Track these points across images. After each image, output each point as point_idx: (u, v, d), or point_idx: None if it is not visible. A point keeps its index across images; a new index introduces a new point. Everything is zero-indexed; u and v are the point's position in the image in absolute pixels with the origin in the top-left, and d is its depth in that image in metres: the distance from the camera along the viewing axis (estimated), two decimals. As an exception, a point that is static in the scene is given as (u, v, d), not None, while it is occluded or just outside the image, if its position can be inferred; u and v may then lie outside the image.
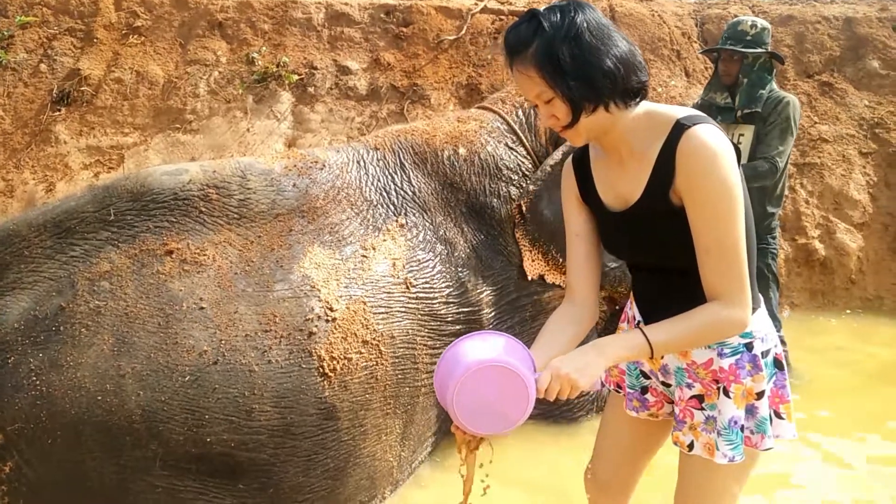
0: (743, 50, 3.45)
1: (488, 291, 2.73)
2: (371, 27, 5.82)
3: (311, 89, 5.55)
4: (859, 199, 5.29)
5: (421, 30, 5.78)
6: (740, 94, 3.51)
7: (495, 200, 2.83)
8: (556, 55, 1.33)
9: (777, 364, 1.53)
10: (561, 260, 2.86)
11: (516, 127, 3.00)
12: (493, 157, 2.89)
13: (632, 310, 1.67)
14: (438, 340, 2.54)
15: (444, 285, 2.60)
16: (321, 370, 2.15)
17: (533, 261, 2.82)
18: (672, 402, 1.65)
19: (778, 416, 1.52)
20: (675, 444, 1.59)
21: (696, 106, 3.81)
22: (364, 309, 2.32)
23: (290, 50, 5.67)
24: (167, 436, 1.93)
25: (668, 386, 1.62)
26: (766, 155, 3.41)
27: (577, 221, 1.61)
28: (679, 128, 1.37)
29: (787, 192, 5.11)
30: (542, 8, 1.39)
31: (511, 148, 2.95)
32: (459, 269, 2.67)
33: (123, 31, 5.63)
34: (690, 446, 1.54)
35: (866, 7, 6.25)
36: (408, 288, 2.48)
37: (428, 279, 2.56)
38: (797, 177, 5.35)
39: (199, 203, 2.31)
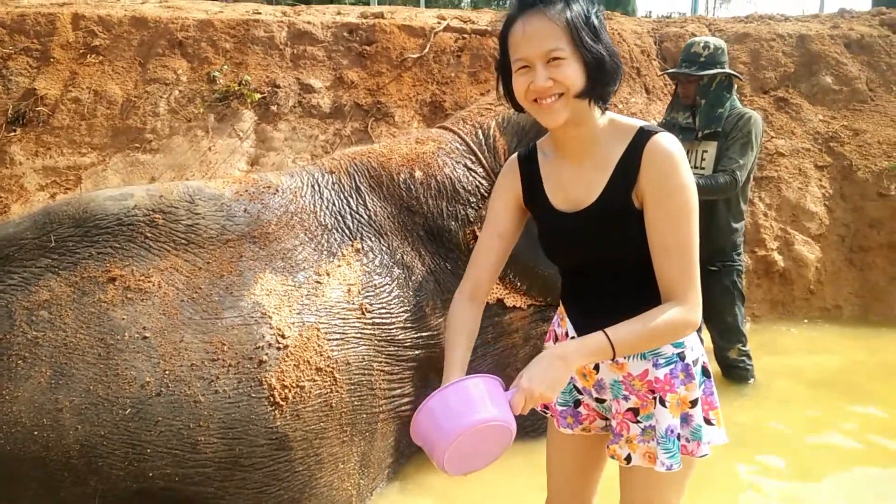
0: (696, 73, 3.49)
1: (447, 315, 2.71)
2: (334, 45, 5.80)
3: (273, 108, 5.50)
4: (816, 212, 5.39)
5: (384, 48, 5.78)
6: (700, 114, 3.55)
7: (453, 223, 2.81)
8: (591, 19, 1.37)
9: (705, 372, 1.55)
10: (518, 283, 2.85)
11: (475, 148, 2.98)
12: (451, 179, 2.87)
13: (562, 327, 1.65)
14: (396, 366, 2.51)
15: (401, 310, 2.57)
16: (272, 399, 2.10)
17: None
18: (605, 418, 1.66)
19: (708, 422, 1.53)
20: (612, 457, 1.59)
21: (661, 125, 3.85)
22: (318, 335, 2.28)
23: (253, 68, 5.62)
24: (107, 471, 1.87)
25: (602, 402, 1.63)
26: (725, 168, 3.45)
27: (503, 220, 1.60)
28: (643, 133, 1.43)
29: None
30: None
31: (470, 169, 2.93)
32: (417, 294, 2.64)
33: (81, 51, 5.53)
34: (628, 459, 1.55)
35: (819, 25, 6.41)
36: (363, 313, 2.44)
37: (385, 304, 2.53)
38: (756, 190, 5.44)
39: (145, 228, 2.26)
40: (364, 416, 2.40)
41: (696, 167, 3.60)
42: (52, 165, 5.20)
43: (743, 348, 3.77)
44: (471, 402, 1.31)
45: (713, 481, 2.80)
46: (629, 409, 1.55)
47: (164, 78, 5.49)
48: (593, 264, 1.54)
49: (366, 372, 2.41)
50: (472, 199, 2.87)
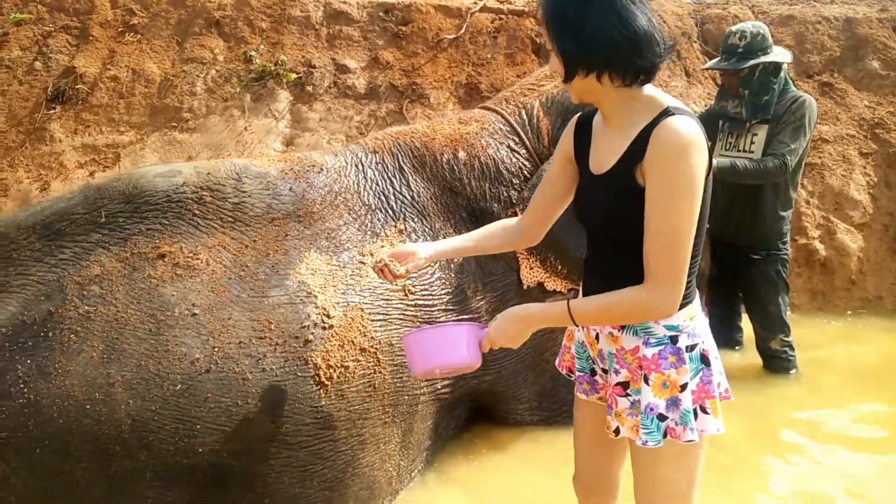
0: (734, 67, 3.40)
1: (488, 298, 2.69)
2: (370, 26, 5.76)
3: (309, 88, 5.49)
4: (860, 200, 5.25)
5: (420, 28, 5.72)
6: (745, 105, 3.45)
7: (496, 205, 2.78)
8: (563, 12, 1.41)
9: (704, 360, 1.56)
10: (560, 266, 2.81)
11: (519, 128, 2.93)
12: (494, 160, 2.84)
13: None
14: (437, 347, 2.49)
15: (443, 292, 2.55)
16: (317, 378, 2.10)
17: (531, 268, 2.77)
18: None
19: (703, 410, 1.55)
20: (606, 428, 1.65)
21: (711, 114, 3.77)
22: (362, 316, 2.27)
23: (289, 48, 5.61)
24: (157, 446, 1.88)
25: (606, 372, 1.68)
26: (776, 152, 3.35)
27: (554, 171, 1.72)
28: (665, 113, 1.42)
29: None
30: None
31: (513, 150, 2.89)
32: (459, 276, 2.62)
33: (119, 29, 5.56)
34: (616, 431, 1.60)
35: (866, 8, 6.21)
36: (406, 295, 2.43)
37: (427, 286, 2.51)
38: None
39: (193, 205, 2.26)
40: (406, 397, 2.40)
41: (744, 151, 3.51)
42: (90, 143, 5.26)
43: (786, 339, 3.68)
44: (450, 345, 1.64)
45: (743, 471, 2.78)
46: (618, 384, 1.60)
47: (201, 57, 5.51)
48: (605, 233, 1.59)
49: (408, 353, 2.40)
50: (515, 181, 2.84)
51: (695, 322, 1.55)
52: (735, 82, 3.47)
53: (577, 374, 1.76)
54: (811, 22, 5.98)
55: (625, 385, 1.59)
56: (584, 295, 1.63)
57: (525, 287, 2.78)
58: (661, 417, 1.52)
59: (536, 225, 1.80)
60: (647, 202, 1.41)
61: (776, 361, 3.70)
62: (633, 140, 1.44)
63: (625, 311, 1.48)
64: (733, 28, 3.55)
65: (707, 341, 1.57)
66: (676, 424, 1.52)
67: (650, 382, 1.53)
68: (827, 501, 2.60)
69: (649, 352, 1.53)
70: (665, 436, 1.52)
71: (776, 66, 3.45)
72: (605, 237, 1.60)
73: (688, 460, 1.57)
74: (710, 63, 3.65)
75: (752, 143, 3.49)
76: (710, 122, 3.77)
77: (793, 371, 3.70)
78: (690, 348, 1.53)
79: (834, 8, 6.22)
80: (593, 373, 1.73)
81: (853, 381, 3.70)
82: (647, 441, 1.53)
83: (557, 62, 1.47)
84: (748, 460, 2.89)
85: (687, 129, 1.38)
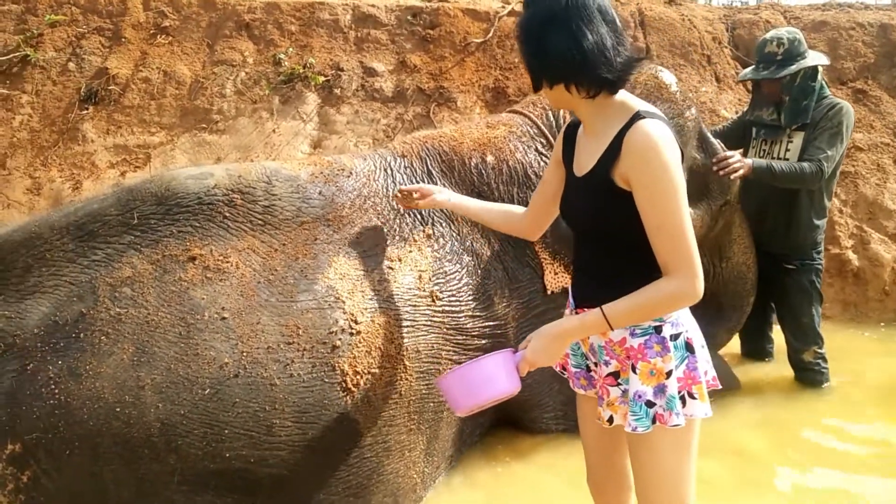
0: (775, 76, 3.34)
1: (515, 304, 2.66)
2: (398, 29, 5.77)
3: (337, 91, 5.51)
4: (894, 210, 5.14)
5: (448, 32, 5.72)
6: (785, 111, 3.39)
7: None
8: (529, 29, 1.54)
9: (688, 347, 1.62)
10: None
11: (547, 131, 2.91)
12: (522, 164, 2.82)
13: (569, 298, 1.82)
14: (463, 354, 2.47)
15: (470, 298, 2.53)
16: (344, 385, 2.09)
17: (556, 274, 2.74)
18: None
19: (691, 396, 1.61)
20: (598, 420, 1.72)
21: (740, 123, 3.72)
22: (389, 322, 2.26)
23: (317, 51, 5.64)
24: (185, 450, 1.88)
25: (597, 365, 1.74)
26: (812, 157, 3.28)
27: (551, 174, 1.86)
28: (635, 117, 1.52)
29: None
30: None
31: (541, 154, 2.87)
32: (486, 282, 2.60)
33: (151, 31, 5.64)
34: (610, 420, 1.67)
35: (902, 13, 6.09)
36: (434, 301, 2.42)
37: (454, 292, 2.49)
38: (831, 186, 5.22)
39: (224, 208, 2.26)
40: (431, 404, 2.38)
41: (779, 158, 3.44)
42: (122, 143, 5.33)
43: (819, 350, 3.60)
44: (488, 377, 1.65)
45: (768, 484, 2.73)
46: (609, 374, 1.67)
47: (231, 59, 5.56)
48: (588, 232, 1.69)
49: (434, 360, 2.38)
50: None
51: (677, 312, 1.61)
52: (776, 89, 3.40)
53: (574, 370, 1.82)
54: (845, 28, 5.88)
55: (615, 375, 1.67)
56: (578, 295, 1.73)
57: (550, 292, 2.75)
58: (650, 404, 1.59)
59: (536, 221, 1.97)
60: (638, 204, 1.50)
61: (808, 374, 3.62)
62: (609, 143, 1.54)
63: (657, 304, 1.52)
64: (768, 36, 3.47)
65: (691, 329, 1.63)
66: (664, 410, 1.59)
67: (637, 371, 1.60)
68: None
69: (635, 342, 1.60)
70: (654, 422, 1.59)
71: (814, 71, 3.40)
72: (590, 237, 1.70)
73: (679, 445, 1.62)
74: (747, 73, 3.56)
75: (787, 150, 3.43)
76: (738, 131, 3.72)
77: (825, 384, 3.61)
78: (674, 337, 1.60)
79: (868, 14, 6.10)
80: (589, 368, 1.79)
81: (884, 396, 3.60)
82: (636, 427, 1.60)
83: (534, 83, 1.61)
84: (774, 473, 2.83)
85: (655, 130, 1.49)
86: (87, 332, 1.94)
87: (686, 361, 1.61)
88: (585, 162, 1.63)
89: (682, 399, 1.59)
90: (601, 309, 1.54)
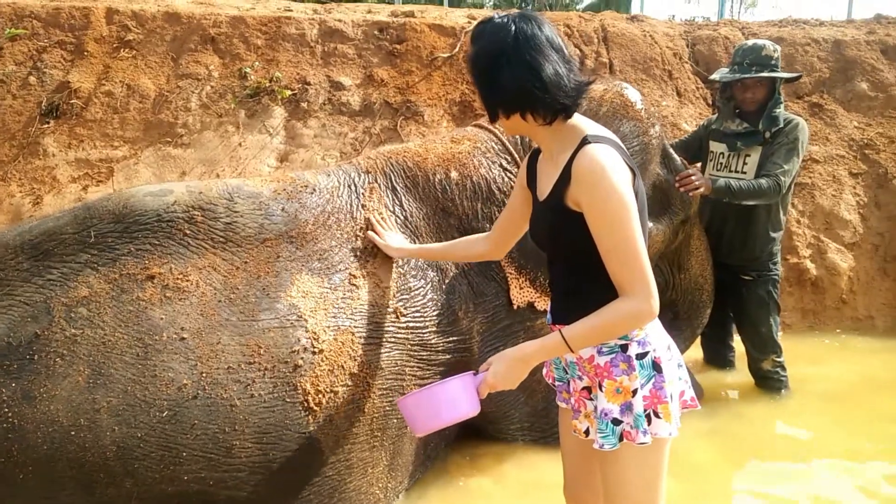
0: (778, 76, 3.42)
1: (480, 319, 2.67)
2: (364, 44, 5.78)
3: (303, 104, 5.50)
4: (850, 220, 5.28)
5: (415, 47, 5.75)
6: (765, 118, 3.43)
7: (488, 224, 2.77)
8: (479, 64, 1.59)
9: (655, 367, 1.64)
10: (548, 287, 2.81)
11: (511, 147, 2.93)
12: (486, 179, 2.84)
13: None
14: (427, 370, 2.48)
15: (434, 314, 2.54)
16: (306, 404, 2.08)
17: (521, 289, 2.76)
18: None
19: (656, 415, 1.63)
20: (574, 432, 1.76)
21: (702, 135, 3.78)
22: (352, 340, 2.25)
23: (283, 65, 5.62)
24: (143, 473, 1.86)
25: (573, 379, 1.78)
26: (769, 172, 3.36)
27: (515, 198, 1.92)
28: (583, 142, 1.57)
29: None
30: (495, 16, 1.61)
31: (505, 169, 2.89)
32: (450, 297, 2.61)
33: (115, 45, 5.56)
34: (587, 433, 1.71)
35: (854, 30, 6.28)
36: (398, 317, 2.42)
37: (418, 307, 2.50)
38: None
39: (184, 225, 2.24)
40: (394, 420, 2.38)
41: (737, 172, 3.51)
42: (84, 158, 5.24)
43: (777, 359, 3.69)
44: (450, 400, 1.66)
45: (719, 493, 2.78)
46: (584, 388, 1.72)
47: (196, 73, 5.51)
48: (554, 255, 1.75)
49: (398, 377, 2.38)
50: (507, 200, 2.83)
51: (645, 331, 1.64)
52: (762, 94, 3.44)
53: (557, 384, 1.87)
54: (801, 44, 6.04)
55: (588, 389, 1.72)
56: (553, 314, 1.76)
57: (516, 307, 2.77)
58: (616, 422, 1.62)
59: (501, 242, 2.03)
60: (590, 228, 1.54)
61: (768, 381, 3.71)
62: (562, 169, 1.59)
63: (614, 325, 1.55)
64: (759, 42, 3.53)
65: (660, 349, 1.65)
66: (631, 427, 1.62)
67: (603, 389, 1.64)
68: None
69: (602, 360, 1.64)
70: (621, 439, 1.62)
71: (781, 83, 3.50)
72: (555, 259, 1.76)
73: (647, 462, 1.65)
74: (723, 75, 3.53)
75: (744, 164, 3.50)
76: (696, 143, 3.80)
77: (784, 391, 3.70)
78: (641, 356, 1.63)
79: (823, 30, 6.28)
80: (568, 383, 1.82)
81: (840, 403, 3.68)
82: (602, 444, 1.63)
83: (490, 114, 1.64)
84: (730, 485, 2.88)
85: (601, 154, 1.53)
86: (42, 354, 1.91)
87: (653, 380, 1.63)
88: (545, 186, 1.68)
89: (648, 417, 1.62)
90: (559, 332, 1.58)
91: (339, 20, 5.82)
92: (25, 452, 1.81)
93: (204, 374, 1.97)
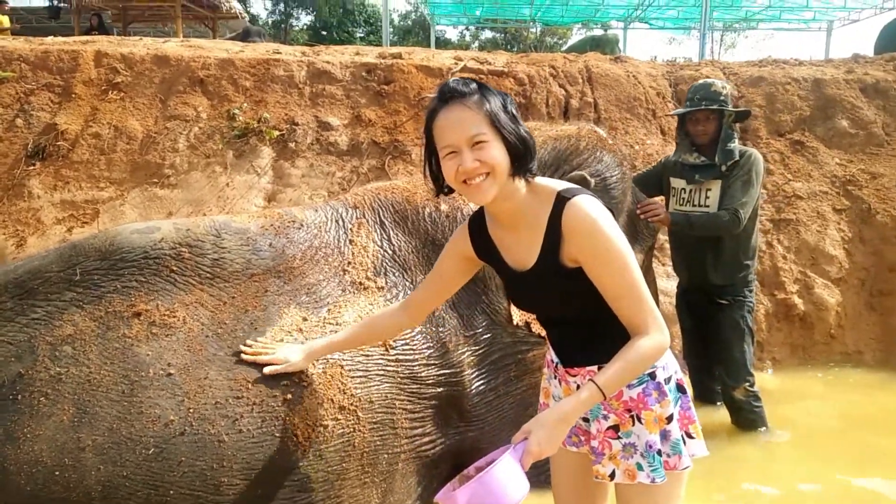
0: (724, 109, 3.53)
1: (470, 352, 2.66)
2: (352, 84, 5.87)
3: (291, 145, 5.54)
4: (835, 255, 5.33)
5: (402, 87, 5.83)
6: (719, 151, 3.56)
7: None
8: (501, 106, 1.55)
9: (680, 389, 1.69)
10: None
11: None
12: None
13: (550, 355, 1.85)
14: (418, 404, 2.45)
15: (424, 346, 2.52)
16: (295, 439, 2.04)
17: (514, 304, 2.77)
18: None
19: (689, 436, 1.67)
20: (596, 478, 1.70)
21: (670, 168, 3.86)
22: (341, 373, 2.23)
23: (272, 106, 5.68)
24: (128, 513, 1.81)
25: (587, 420, 1.74)
26: (727, 206, 3.48)
27: (447, 267, 1.86)
28: (560, 200, 1.57)
29: (763, 247, 5.17)
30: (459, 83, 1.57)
31: (494, 202, 2.92)
32: (440, 329, 2.59)
33: (103, 87, 5.61)
34: (612, 475, 1.67)
35: (833, 69, 6.45)
36: (387, 350, 2.40)
37: (408, 340, 2.48)
38: (774, 233, 5.40)
39: (171, 262, 2.23)
40: (385, 455, 2.34)
41: (699, 206, 3.62)
42: (70, 199, 5.24)
43: (750, 389, 3.68)
44: (501, 486, 1.50)
45: None
46: (609, 427, 1.68)
47: (185, 115, 5.56)
48: (558, 316, 1.73)
49: (388, 410, 2.35)
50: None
51: (665, 356, 1.66)
52: (713, 128, 3.58)
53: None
54: (781, 83, 6.19)
55: (615, 428, 1.67)
56: (560, 359, 1.76)
57: (514, 324, 2.76)
58: (660, 452, 1.61)
59: (421, 312, 1.99)
60: (594, 279, 1.55)
61: (743, 414, 3.69)
62: (545, 233, 1.58)
63: (640, 363, 1.55)
64: (708, 80, 3.70)
65: (678, 371, 1.70)
66: (669, 456, 1.62)
67: (643, 421, 1.62)
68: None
69: (634, 392, 1.63)
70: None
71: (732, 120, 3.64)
72: (561, 320, 1.74)
73: (676, 493, 1.66)
74: (692, 107, 3.64)
75: (707, 197, 3.60)
76: (654, 179, 3.89)
77: (762, 428, 3.67)
78: (668, 380, 1.65)
79: (803, 69, 6.45)
80: (576, 424, 1.77)
81: (818, 442, 3.65)
82: (655, 479, 1.60)
83: (495, 149, 1.53)
84: None
85: (587, 204, 1.55)
86: (26, 394, 1.87)
87: (680, 402, 1.67)
88: (525, 256, 1.64)
89: (683, 440, 1.64)
90: (593, 382, 1.54)
91: (328, 62, 5.91)
92: (9, 495, 1.75)
93: (191, 410, 1.93)
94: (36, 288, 2.07)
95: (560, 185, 1.62)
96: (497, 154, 1.53)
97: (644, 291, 1.54)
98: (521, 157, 1.57)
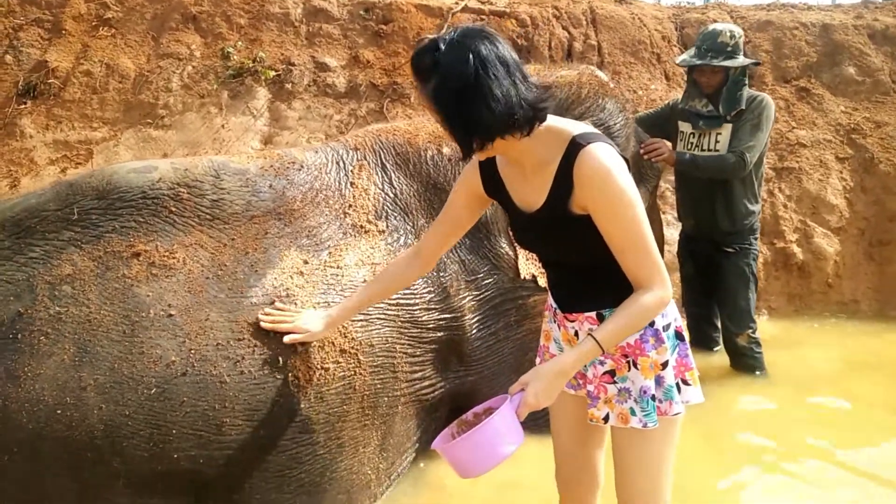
0: (728, 64, 3.45)
1: (471, 296, 2.65)
2: (350, 24, 5.70)
3: (288, 86, 5.42)
4: (836, 204, 5.31)
5: (401, 28, 5.68)
6: (722, 102, 3.52)
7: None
8: (447, 97, 1.43)
9: (678, 336, 1.69)
10: None
11: None
12: (478, 157, 2.81)
13: (550, 298, 1.84)
14: (418, 348, 2.45)
15: (425, 291, 2.51)
16: (296, 381, 2.05)
17: (527, 259, 2.76)
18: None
19: (685, 382, 1.69)
20: (591, 420, 1.72)
21: (669, 113, 3.81)
22: (342, 316, 2.22)
23: (267, 45, 5.53)
24: (131, 452, 1.82)
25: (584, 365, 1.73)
26: (735, 149, 3.45)
27: (457, 206, 1.82)
28: (574, 145, 1.52)
29: (764, 196, 5.13)
30: (445, 36, 1.44)
31: (495, 147, 2.87)
32: (441, 274, 2.58)
33: (93, 23, 5.44)
34: (606, 418, 1.69)
35: (842, 14, 6.29)
36: (388, 294, 2.39)
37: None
38: (776, 181, 5.36)
39: (170, 202, 2.19)
40: (386, 398, 2.36)
41: (708, 150, 3.58)
42: (62, 139, 5.14)
43: (753, 335, 3.74)
44: (497, 436, 1.52)
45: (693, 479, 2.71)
46: (605, 372, 1.69)
47: (178, 53, 5.41)
48: (560, 259, 1.72)
49: (388, 354, 2.36)
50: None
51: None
52: (718, 80, 3.51)
53: None
54: (789, 28, 6.04)
55: (612, 373, 1.68)
56: (559, 305, 1.75)
57: (522, 277, 2.77)
58: (654, 398, 1.63)
59: (435, 253, 1.92)
60: (601, 229, 1.53)
61: (743, 359, 3.75)
62: (555, 178, 1.54)
63: (642, 318, 1.55)
64: (718, 27, 3.58)
65: (678, 319, 1.70)
66: (661, 402, 1.64)
67: (639, 366, 1.64)
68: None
69: (631, 339, 1.63)
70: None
71: (746, 67, 3.57)
72: (561, 263, 1.73)
73: (669, 438, 1.68)
74: (691, 58, 3.59)
75: (716, 141, 3.56)
76: (661, 120, 3.84)
77: (759, 371, 3.73)
78: (666, 327, 1.65)
79: (811, 14, 6.29)
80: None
81: (814, 386, 3.69)
82: (646, 423, 1.62)
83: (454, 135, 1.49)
84: (695, 468, 2.82)
85: (602, 153, 1.50)
86: (26, 333, 1.86)
87: (678, 349, 1.68)
88: (532, 198, 1.61)
89: (678, 387, 1.66)
90: (592, 337, 1.54)
91: (324, -1, 5.73)
92: (10, 433, 1.76)
93: (192, 351, 1.93)
94: (33, 227, 2.04)
95: (576, 127, 1.56)
96: (455, 138, 1.49)
97: (651, 245, 1.52)
98: (485, 134, 1.46)
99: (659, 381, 1.64)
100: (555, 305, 1.78)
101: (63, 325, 1.87)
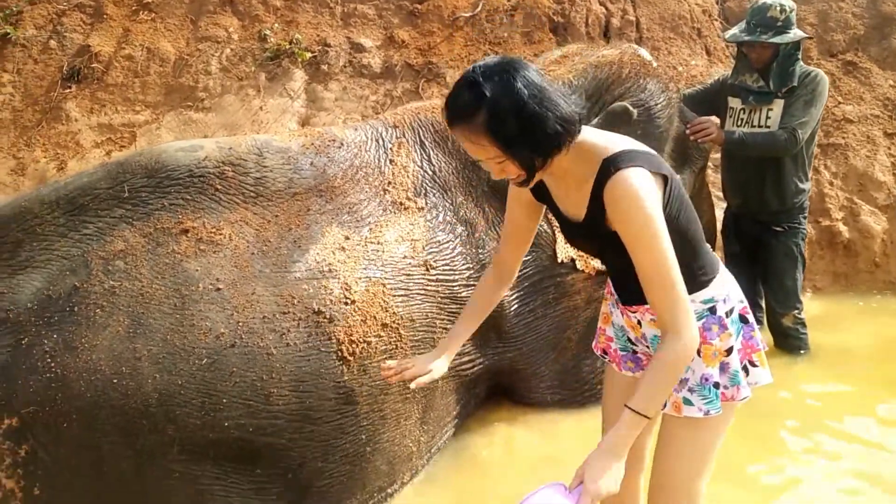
0: (776, 41, 3.35)
1: (510, 274, 2.66)
2: (385, 4, 5.70)
3: (324, 67, 5.45)
4: (884, 181, 5.15)
5: (436, 7, 5.65)
6: (773, 77, 3.41)
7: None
8: (506, 126, 1.42)
9: (742, 319, 1.68)
10: None
11: None
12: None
13: (609, 285, 1.86)
14: (459, 324, 2.48)
15: (464, 267, 2.53)
16: (340, 354, 2.10)
17: (566, 243, 2.76)
18: None
19: (752, 364, 1.68)
20: None
21: (719, 89, 3.72)
22: (383, 291, 2.26)
23: (303, 27, 5.56)
24: (184, 420, 1.88)
25: (648, 348, 1.77)
26: (786, 125, 3.36)
27: (516, 215, 1.82)
28: (605, 170, 1.50)
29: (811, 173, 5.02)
30: (479, 69, 1.45)
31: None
32: (479, 251, 2.60)
33: (133, 8, 5.54)
34: (663, 405, 1.65)
35: (892, -15, 6.07)
36: (427, 270, 2.42)
37: (448, 261, 2.49)
38: (821, 158, 5.22)
39: (215, 180, 2.25)
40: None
41: (759, 126, 3.48)
42: (106, 123, 5.26)
43: (798, 316, 3.67)
44: None
45: (738, 455, 2.67)
46: None
47: (216, 36, 5.48)
48: (610, 261, 1.74)
49: (429, 329, 2.39)
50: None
51: (726, 288, 1.67)
52: (767, 56, 3.41)
53: (621, 354, 1.84)
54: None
55: None
56: (619, 298, 1.76)
57: (559, 261, 2.77)
58: (717, 385, 1.62)
59: (510, 264, 1.90)
60: (629, 252, 1.51)
61: (788, 340, 3.69)
62: (590, 198, 1.55)
63: (675, 373, 1.49)
64: (766, 2, 3.46)
65: (742, 300, 1.70)
66: (727, 388, 1.63)
67: (701, 354, 1.62)
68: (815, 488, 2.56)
69: None
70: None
71: (799, 41, 3.46)
72: (619, 266, 1.69)
73: (723, 426, 1.67)
74: (740, 34, 3.49)
75: (767, 118, 3.46)
76: (710, 96, 3.74)
77: (803, 351, 3.67)
78: (729, 313, 1.64)
79: (858, -16, 6.08)
80: (634, 352, 1.81)
81: (861, 365, 3.62)
82: (708, 411, 1.61)
83: (514, 168, 1.49)
84: (743, 444, 2.77)
85: (633, 179, 1.47)
86: (82, 306, 1.93)
87: (742, 332, 1.67)
88: (573, 210, 1.63)
89: (745, 369, 1.66)
90: (631, 410, 1.48)
91: (359, -20, 5.73)
92: (69, 401, 1.83)
93: (240, 324, 1.98)
94: (86, 204, 2.11)
95: (607, 148, 1.54)
96: (515, 169, 1.49)
97: (675, 279, 1.48)
98: (545, 156, 1.49)
99: (723, 367, 1.63)
100: (616, 297, 1.79)
101: (117, 298, 1.94)
